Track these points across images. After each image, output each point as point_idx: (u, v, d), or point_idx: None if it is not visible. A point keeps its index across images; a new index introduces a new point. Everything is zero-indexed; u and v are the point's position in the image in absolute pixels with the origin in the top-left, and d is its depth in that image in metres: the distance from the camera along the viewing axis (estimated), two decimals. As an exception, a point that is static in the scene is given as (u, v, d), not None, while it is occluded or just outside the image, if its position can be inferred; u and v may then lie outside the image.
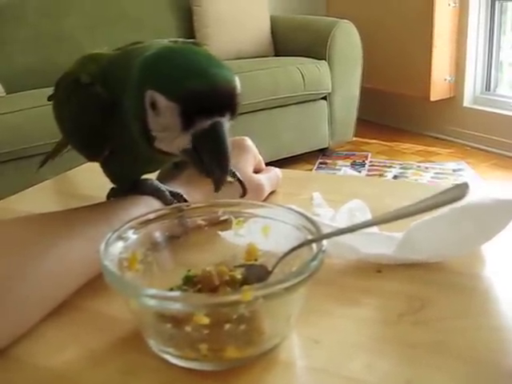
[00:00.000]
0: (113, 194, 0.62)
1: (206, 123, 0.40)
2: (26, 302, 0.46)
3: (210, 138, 0.40)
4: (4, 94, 2.47)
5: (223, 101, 0.40)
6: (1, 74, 2.51)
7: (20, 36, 2.64)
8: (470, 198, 0.41)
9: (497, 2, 3.22)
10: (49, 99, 0.64)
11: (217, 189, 0.45)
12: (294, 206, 0.50)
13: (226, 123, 0.41)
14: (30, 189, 0.83)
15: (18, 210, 0.73)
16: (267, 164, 0.75)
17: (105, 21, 2.85)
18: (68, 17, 2.78)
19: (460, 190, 0.40)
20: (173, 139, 0.44)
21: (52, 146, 0.74)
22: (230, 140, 0.42)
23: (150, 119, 0.44)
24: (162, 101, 0.41)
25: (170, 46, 0.48)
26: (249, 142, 0.71)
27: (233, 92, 0.42)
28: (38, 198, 0.80)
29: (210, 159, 0.41)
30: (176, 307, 0.38)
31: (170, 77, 0.41)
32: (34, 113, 2.12)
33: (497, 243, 0.54)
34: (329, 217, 0.62)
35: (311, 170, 2.94)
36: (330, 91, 2.95)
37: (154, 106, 0.42)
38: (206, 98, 0.40)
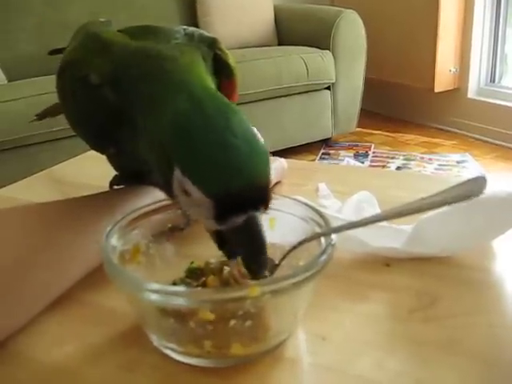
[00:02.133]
0: (116, 182, 0.61)
1: (241, 218, 0.38)
2: (27, 294, 0.45)
3: (245, 233, 0.38)
4: (5, 81, 2.45)
5: (259, 197, 0.38)
6: (3, 62, 2.49)
7: (24, 24, 2.62)
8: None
9: (503, -7, 3.19)
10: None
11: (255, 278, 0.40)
12: (300, 198, 0.49)
13: (260, 215, 0.39)
14: (31, 177, 0.82)
15: (19, 198, 0.72)
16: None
17: (109, 8, 2.83)
18: (72, 4, 2.75)
19: (477, 185, 0.38)
20: (199, 216, 0.40)
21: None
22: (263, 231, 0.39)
23: (178, 193, 0.40)
24: (194, 191, 0.38)
25: (201, 105, 0.41)
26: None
27: (267, 186, 0.39)
28: (39, 187, 0.79)
29: (246, 254, 0.39)
30: (180, 303, 0.36)
31: (204, 168, 0.38)
32: (35, 101, 2.09)
33: (508, 238, 0.53)
34: (335, 208, 0.61)
35: (314, 160, 2.93)
36: (333, 81, 2.93)
37: (185, 191, 0.39)
38: (242, 197, 0.37)
